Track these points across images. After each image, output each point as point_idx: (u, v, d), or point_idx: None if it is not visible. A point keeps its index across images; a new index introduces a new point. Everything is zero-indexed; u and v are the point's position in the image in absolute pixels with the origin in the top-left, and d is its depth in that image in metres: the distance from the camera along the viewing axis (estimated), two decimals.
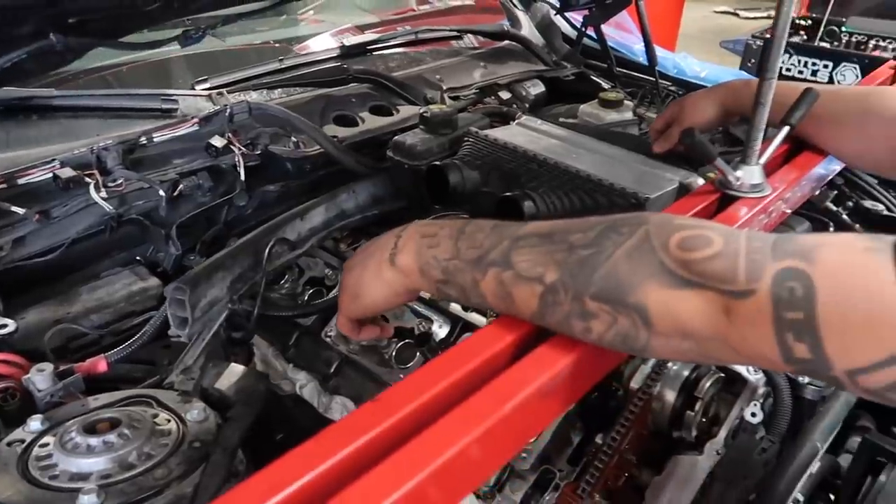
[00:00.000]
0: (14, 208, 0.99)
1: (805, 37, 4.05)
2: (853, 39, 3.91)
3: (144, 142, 1.15)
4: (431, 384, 0.58)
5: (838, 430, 0.97)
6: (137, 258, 1.15)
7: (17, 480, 0.67)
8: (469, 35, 1.95)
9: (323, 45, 2.01)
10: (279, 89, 1.46)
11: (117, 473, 0.68)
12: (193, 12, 1.36)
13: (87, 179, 1.03)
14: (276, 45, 2.11)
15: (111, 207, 1.05)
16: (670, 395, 0.95)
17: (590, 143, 1.23)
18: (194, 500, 0.66)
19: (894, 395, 0.50)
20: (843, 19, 3.97)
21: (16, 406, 0.82)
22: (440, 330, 1.07)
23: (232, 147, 1.17)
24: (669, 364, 0.97)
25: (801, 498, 0.91)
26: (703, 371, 0.97)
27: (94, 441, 0.70)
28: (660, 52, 1.82)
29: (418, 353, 1.06)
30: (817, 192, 1.25)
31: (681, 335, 0.58)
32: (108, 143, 1.09)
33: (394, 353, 1.05)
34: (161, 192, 1.09)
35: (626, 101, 1.47)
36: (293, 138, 1.26)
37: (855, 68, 3.71)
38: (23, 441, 0.73)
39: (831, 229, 1.28)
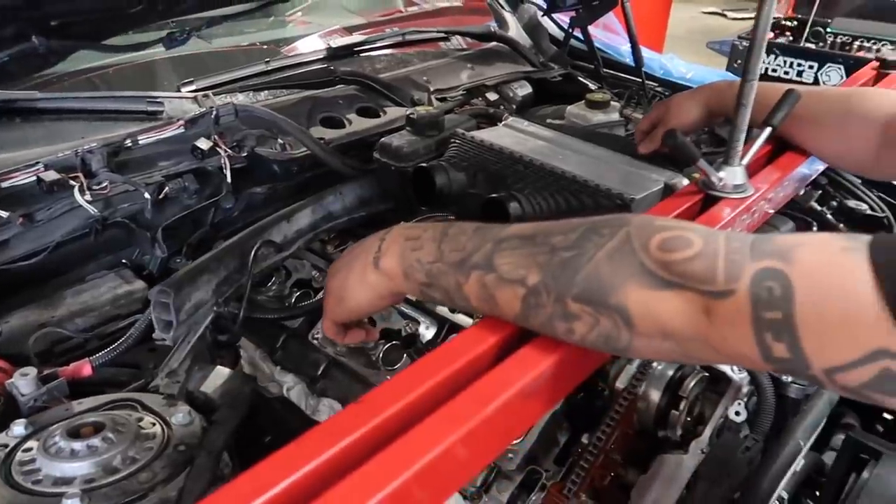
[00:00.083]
0: None
1: (791, 38, 4.09)
2: (838, 40, 3.96)
3: (129, 144, 1.14)
4: (415, 385, 0.59)
5: (823, 427, 0.98)
6: (123, 261, 1.14)
7: None
8: (456, 36, 1.95)
9: (310, 46, 2.01)
10: (265, 91, 1.46)
11: (101, 478, 0.68)
12: (177, 14, 1.36)
13: (72, 182, 1.02)
14: (263, 46, 2.11)
15: (96, 210, 1.04)
16: (655, 395, 0.95)
17: (576, 145, 1.24)
18: None
19: (871, 393, 0.51)
20: (829, 20, 4.02)
21: None
22: (427, 331, 1.07)
23: (218, 149, 1.17)
24: (654, 364, 0.97)
25: (785, 495, 0.92)
26: (687, 370, 0.97)
27: (77, 445, 0.70)
28: (646, 53, 1.84)
29: (405, 355, 1.06)
30: (801, 192, 1.26)
31: (662, 335, 0.58)
32: (92, 146, 1.08)
33: (381, 355, 1.05)
34: (146, 195, 1.08)
35: (612, 102, 1.48)
36: (280, 140, 1.26)
37: (840, 69, 3.75)
38: (6, 446, 0.72)
39: (814, 229, 1.29)
